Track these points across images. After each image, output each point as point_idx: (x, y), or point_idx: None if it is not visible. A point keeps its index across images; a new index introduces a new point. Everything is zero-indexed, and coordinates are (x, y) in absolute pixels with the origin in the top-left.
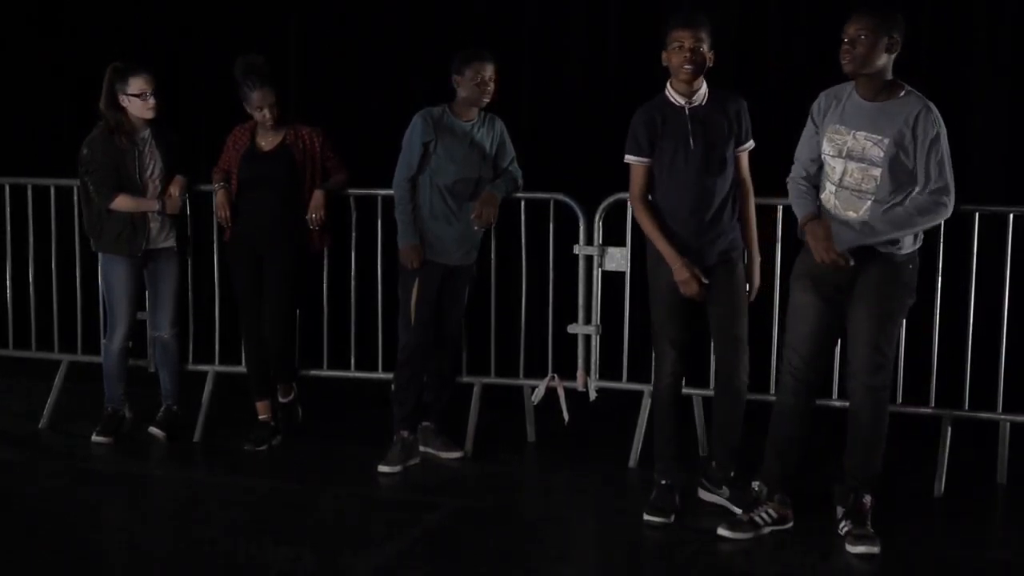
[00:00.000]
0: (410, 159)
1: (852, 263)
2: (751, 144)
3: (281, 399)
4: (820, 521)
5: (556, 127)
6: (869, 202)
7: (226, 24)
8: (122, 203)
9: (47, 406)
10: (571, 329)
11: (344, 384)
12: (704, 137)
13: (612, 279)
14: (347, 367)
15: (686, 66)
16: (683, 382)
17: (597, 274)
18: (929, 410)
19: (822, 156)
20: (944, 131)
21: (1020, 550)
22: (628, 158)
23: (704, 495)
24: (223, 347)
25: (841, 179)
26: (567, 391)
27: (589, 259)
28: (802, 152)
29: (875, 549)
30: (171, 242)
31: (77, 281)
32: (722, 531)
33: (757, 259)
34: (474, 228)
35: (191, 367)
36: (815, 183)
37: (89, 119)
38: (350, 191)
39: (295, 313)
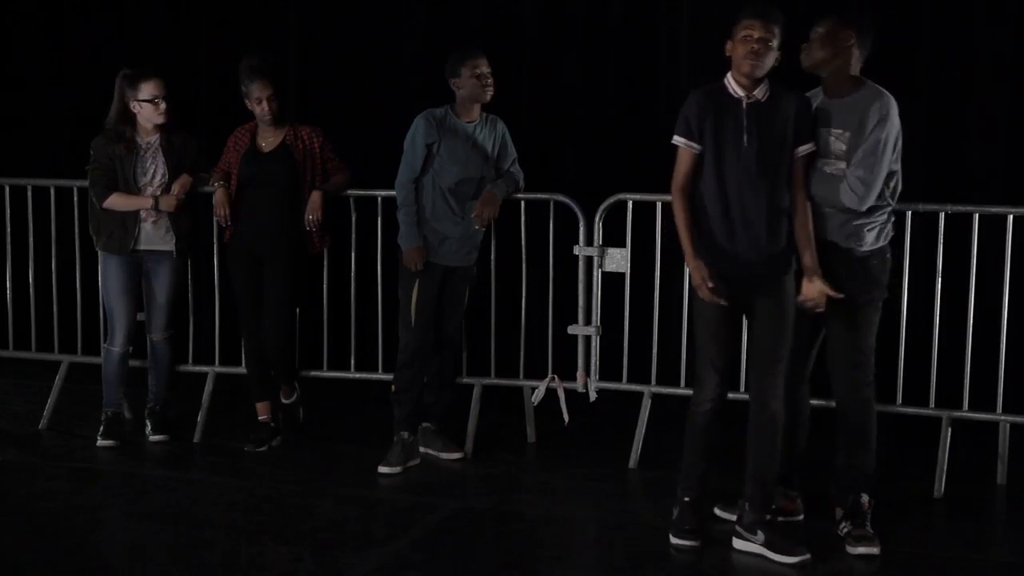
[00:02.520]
0: (413, 161)
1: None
2: (810, 147)
3: (284, 400)
4: (820, 521)
5: (556, 127)
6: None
7: (226, 24)
8: (115, 201)
9: (47, 407)
10: (571, 330)
11: (344, 385)
12: (759, 135)
13: (612, 280)
14: (347, 368)
15: (749, 58)
16: (723, 406)
17: (597, 275)
18: (929, 410)
19: None
20: (892, 123)
21: (1020, 550)
22: (676, 139)
23: (738, 543)
24: (223, 348)
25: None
26: (567, 392)
27: (589, 260)
28: None
29: (875, 550)
30: (169, 245)
31: (77, 282)
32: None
33: (810, 270)
34: (475, 227)
35: (191, 367)
36: None
37: (89, 120)
38: (350, 192)
39: (295, 314)
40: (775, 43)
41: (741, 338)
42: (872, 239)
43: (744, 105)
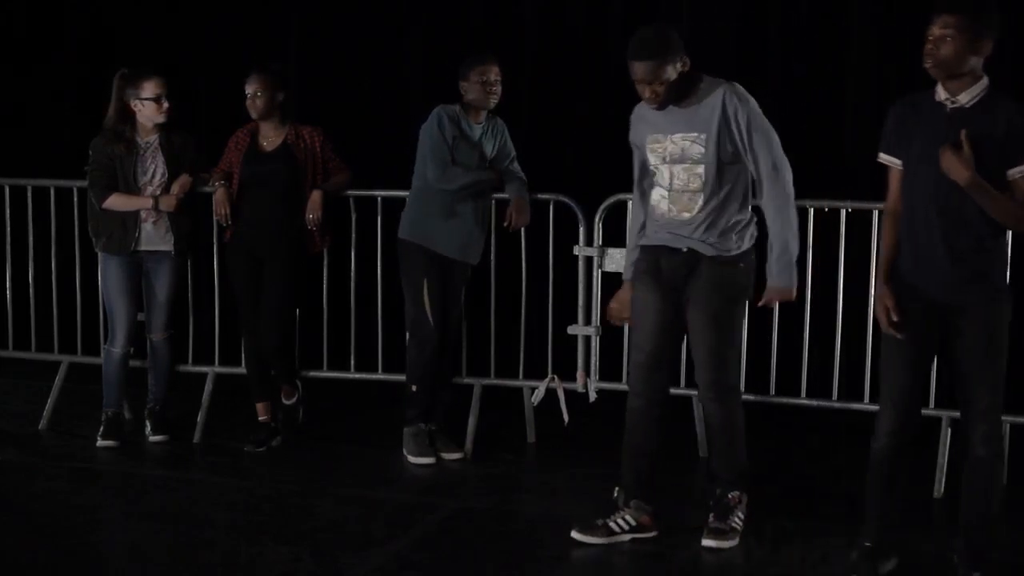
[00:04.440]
0: (443, 154)
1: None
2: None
3: (285, 401)
4: (819, 522)
5: (556, 127)
6: (700, 199)
7: (226, 24)
8: (114, 202)
9: (47, 407)
10: (571, 330)
11: (344, 385)
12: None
13: (612, 280)
14: (347, 368)
15: (925, 61)
16: (906, 446)
17: (597, 275)
18: (929, 410)
19: (651, 167)
20: (754, 103)
21: (1020, 550)
22: (880, 156)
23: None
24: (223, 348)
25: (671, 183)
26: (567, 392)
27: (589, 260)
28: (634, 173)
29: (725, 544)
30: (168, 245)
31: (77, 282)
32: (574, 534)
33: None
34: (478, 228)
35: (191, 367)
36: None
37: (89, 120)
38: (350, 192)
39: (295, 314)
40: (958, 38)
41: (930, 369)
42: (739, 243)
43: (947, 110)
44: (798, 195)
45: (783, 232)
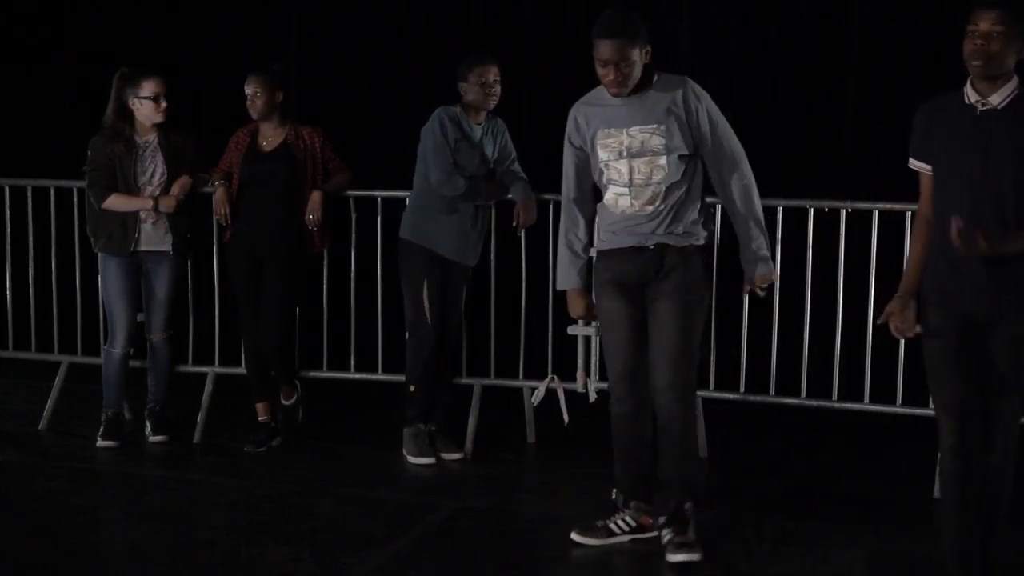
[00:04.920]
0: (444, 157)
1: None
2: None
3: (284, 401)
4: (819, 522)
5: (556, 127)
6: (663, 191)
7: (226, 24)
8: (114, 202)
9: (47, 407)
10: (571, 330)
11: (344, 385)
12: (991, 150)
13: None
14: (347, 368)
15: (975, 59)
16: (970, 462)
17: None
18: (929, 411)
19: (601, 165)
20: (708, 96)
21: (1020, 551)
22: (910, 162)
23: None
24: (223, 348)
25: (631, 178)
26: (567, 392)
27: (589, 260)
28: (568, 174)
29: (695, 557)
30: (167, 245)
31: (77, 282)
32: (574, 535)
33: None
34: (478, 228)
35: (191, 368)
36: (588, 200)
37: (89, 120)
38: (350, 192)
39: (295, 314)
40: (1011, 39)
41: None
42: (705, 234)
43: (977, 112)
44: (798, 195)
45: (755, 219)
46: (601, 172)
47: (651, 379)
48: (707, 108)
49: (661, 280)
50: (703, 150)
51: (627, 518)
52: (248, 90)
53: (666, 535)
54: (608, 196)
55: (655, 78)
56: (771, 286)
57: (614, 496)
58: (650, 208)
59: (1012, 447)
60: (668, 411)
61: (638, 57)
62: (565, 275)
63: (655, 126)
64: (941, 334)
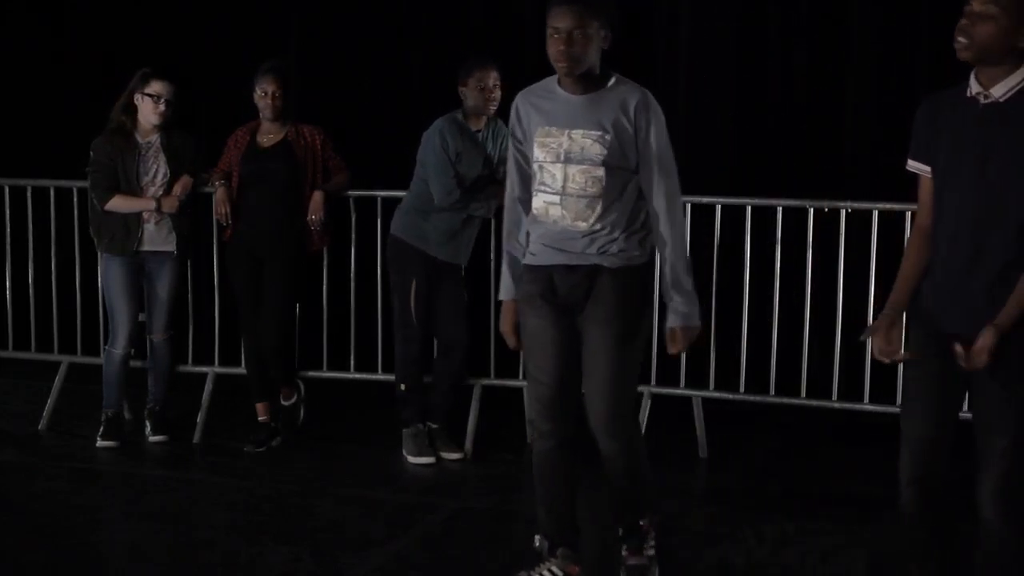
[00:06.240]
0: (446, 174)
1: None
2: None
3: (284, 402)
4: (819, 522)
5: None
6: (599, 206)
7: (226, 24)
8: (117, 203)
9: (47, 407)
10: None
11: (344, 385)
12: (993, 145)
13: None
14: (347, 368)
15: (957, 37)
16: (936, 501)
17: None
18: None
19: (535, 165)
20: (663, 120)
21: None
22: (908, 163)
23: None
24: (223, 348)
25: (564, 186)
26: None
27: None
28: (511, 170)
29: None
30: (170, 246)
31: (77, 282)
32: None
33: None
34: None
35: (191, 368)
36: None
37: (90, 120)
38: (350, 192)
39: (295, 314)
40: (1003, 18)
41: (958, 408)
42: (648, 249)
43: (979, 106)
44: (798, 195)
45: (680, 263)
46: (534, 173)
47: (588, 413)
48: (657, 132)
49: (594, 304)
50: (640, 174)
51: (553, 568)
52: (268, 89)
53: (624, 552)
54: (538, 203)
55: (612, 80)
56: (696, 339)
57: (537, 544)
58: (583, 225)
59: (1017, 500)
60: (608, 448)
61: (596, 34)
62: (506, 284)
63: (599, 133)
64: (917, 361)
